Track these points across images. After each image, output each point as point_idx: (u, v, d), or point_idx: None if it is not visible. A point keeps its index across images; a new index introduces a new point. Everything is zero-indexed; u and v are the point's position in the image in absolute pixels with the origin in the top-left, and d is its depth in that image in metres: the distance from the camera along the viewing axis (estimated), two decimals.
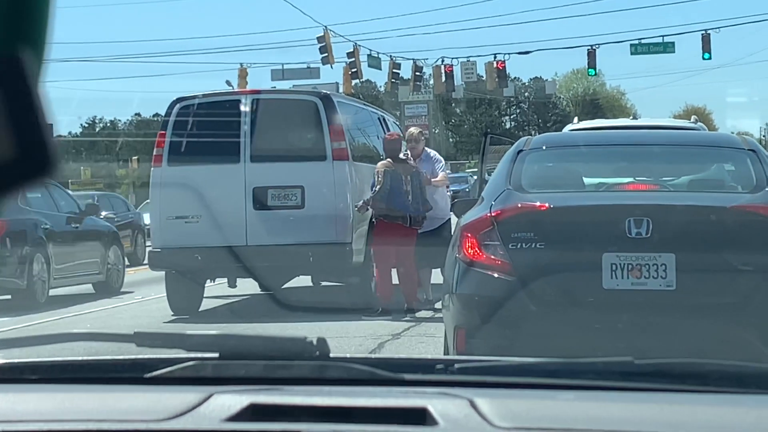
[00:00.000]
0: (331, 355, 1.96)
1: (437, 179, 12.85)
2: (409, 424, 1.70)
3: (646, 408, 1.81)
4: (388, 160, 12.39)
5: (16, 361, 2.10)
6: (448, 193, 14.26)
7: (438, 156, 13.69)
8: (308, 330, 10.67)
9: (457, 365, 1.97)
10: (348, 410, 1.75)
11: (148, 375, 1.96)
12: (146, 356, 2.05)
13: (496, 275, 6.48)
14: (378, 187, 12.15)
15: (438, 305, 9.80)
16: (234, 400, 1.76)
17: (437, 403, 1.74)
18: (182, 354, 2.00)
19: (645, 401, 1.84)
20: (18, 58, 0.63)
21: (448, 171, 13.85)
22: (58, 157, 0.64)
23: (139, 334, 2.01)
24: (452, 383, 1.90)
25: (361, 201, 12.55)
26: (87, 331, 2.15)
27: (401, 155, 12.61)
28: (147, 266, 21.92)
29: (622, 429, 1.70)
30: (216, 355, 1.96)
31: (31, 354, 2.26)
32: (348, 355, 2.11)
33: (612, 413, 1.77)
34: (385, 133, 15.40)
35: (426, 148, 13.38)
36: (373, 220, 12.46)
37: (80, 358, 2.10)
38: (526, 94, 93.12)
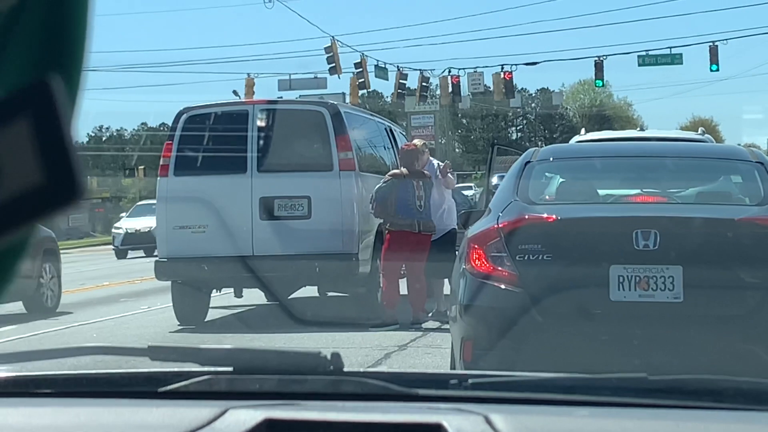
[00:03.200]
0: (345, 369, 1.96)
1: (449, 179, 13.08)
2: None
3: (661, 424, 1.80)
4: (403, 169, 12.47)
5: (30, 374, 2.10)
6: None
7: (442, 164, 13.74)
8: (314, 341, 10.67)
9: (471, 380, 1.97)
10: (363, 426, 1.75)
11: (163, 389, 1.96)
12: (160, 370, 2.05)
13: (503, 287, 6.48)
14: (378, 186, 12.28)
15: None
16: (249, 415, 1.76)
17: (452, 419, 1.74)
18: (196, 368, 2.00)
19: (659, 417, 1.84)
20: (47, 83, 0.63)
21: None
22: (84, 185, 0.64)
23: (153, 348, 2.01)
24: (467, 399, 1.90)
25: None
26: (101, 345, 2.15)
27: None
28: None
29: None
30: (230, 369, 1.96)
31: (42, 367, 2.27)
32: (362, 370, 2.11)
33: (627, 429, 1.77)
34: (392, 144, 15.43)
35: (431, 158, 13.41)
36: (386, 228, 12.47)
37: (94, 372, 2.10)
38: (533, 105, 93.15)
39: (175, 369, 2.03)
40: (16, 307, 15.27)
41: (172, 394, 1.95)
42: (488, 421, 1.73)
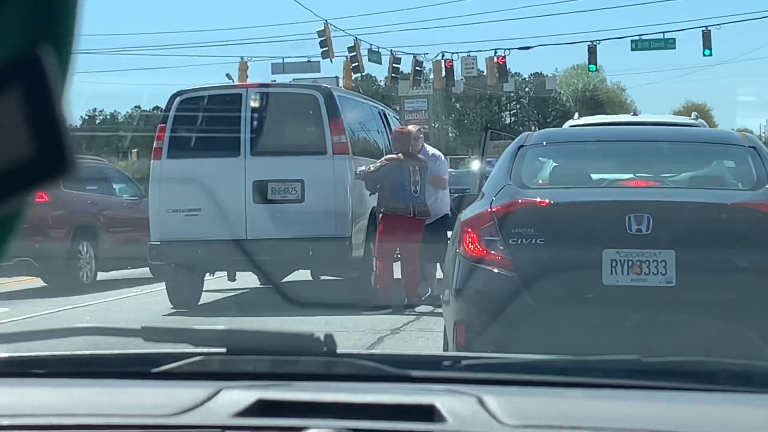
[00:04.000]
0: (339, 351, 1.96)
1: (445, 179, 13.06)
2: (417, 421, 1.70)
3: (654, 406, 1.81)
4: (399, 154, 12.44)
5: (24, 354, 2.10)
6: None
7: (439, 153, 13.70)
8: (307, 324, 10.67)
9: (464, 362, 1.98)
10: (355, 406, 1.76)
11: (156, 370, 1.96)
12: (153, 351, 2.06)
13: (496, 270, 6.49)
14: (372, 167, 12.26)
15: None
16: (242, 395, 1.77)
17: (445, 400, 1.74)
18: (189, 349, 2.00)
19: (653, 399, 1.85)
20: (39, 57, 0.63)
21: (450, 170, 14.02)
22: (74, 160, 0.64)
23: (147, 328, 2.01)
24: (460, 380, 1.90)
25: (362, 168, 12.61)
26: (94, 326, 2.15)
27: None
28: None
29: (630, 427, 1.70)
30: (223, 350, 1.97)
31: (35, 348, 2.27)
32: (355, 351, 2.11)
33: (620, 411, 1.78)
34: (385, 128, 15.42)
35: (425, 145, 13.39)
36: (381, 212, 12.48)
37: (88, 352, 2.10)
38: (527, 89, 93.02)
39: (168, 350, 2.04)
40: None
41: (165, 374, 1.95)
42: (481, 403, 1.74)
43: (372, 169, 12.37)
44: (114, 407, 1.80)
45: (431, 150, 13.49)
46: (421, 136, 13.38)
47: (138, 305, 13.87)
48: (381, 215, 12.44)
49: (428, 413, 1.72)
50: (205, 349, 1.99)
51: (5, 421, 1.74)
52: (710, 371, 2.01)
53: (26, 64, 0.63)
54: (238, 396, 1.77)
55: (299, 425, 1.63)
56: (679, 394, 1.90)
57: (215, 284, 14.60)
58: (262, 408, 1.74)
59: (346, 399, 1.79)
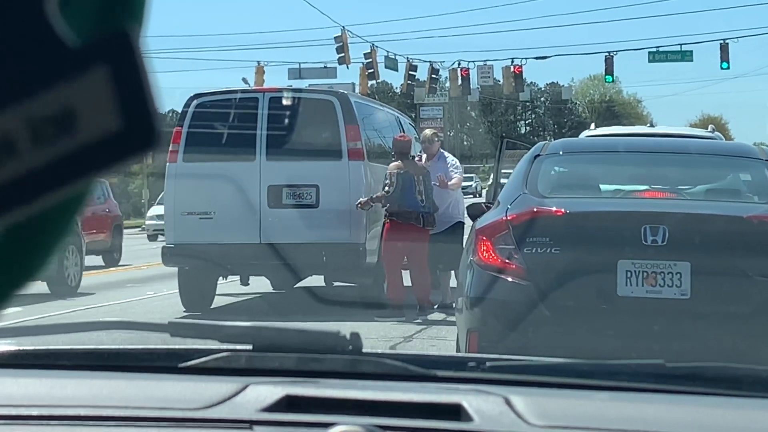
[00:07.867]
0: (364, 350, 1.98)
1: (453, 182, 12.80)
2: (444, 419, 1.72)
3: (680, 410, 1.82)
4: (399, 161, 12.38)
5: (51, 347, 2.12)
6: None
7: (453, 158, 13.66)
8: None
9: (489, 363, 1.99)
10: (382, 404, 1.77)
11: (183, 364, 1.98)
12: (180, 346, 2.07)
13: (510, 279, 6.49)
14: (390, 188, 12.16)
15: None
16: (269, 391, 1.78)
17: (472, 400, 1.75)
18: (216, 345, 2.02)
19: (678, 403, 1.86)
20: (127, 33, 0.66)
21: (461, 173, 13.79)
22: (161, 132, 0.67)
23: (174, 324, 2.03)
24: (486, 381, 1.91)
25: (365, 198, 12.51)
26: (122, 320, 2.17)
27: (412, 156, 12.63)
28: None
29: (656, 430, 1.72)
30: (250, 346, 1.98)
31: (61, 341, 2.29)
32: (380, 351, 2.13)
33: (646, 414, 1.79)
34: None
35: (441, 150, 13.37)
36: (388, 218, 12.45)
37: (115, 347, 2.12)
38: (542, 99, 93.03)
39: (195, 346, 2.05)
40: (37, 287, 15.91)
41: (192, 369, 1.97)
42: (508, 403, 1.75)
43: (389, 190, 12.23)
44: (141, 400, 1.82)
45: (446, 154, 13.47)
46: (436, 139, 13.36)
47: (151, 308, 13.89)
48: (387, 221, 12.33)
49: (455, 412, 1.73)
50: (232, 346, 2.01)
51: (34, 411, 1.76)
52: (735, 377, 2.02)
53: (115, 41, 0.65)
54: (265, 391, 1.78)
55: (327, 421, 1.64)
56: (705, 399, 1.91)
57: (228, 288, 14.61)
58: (289, 404, 1.75)
59: (373, 397, 1.81)
